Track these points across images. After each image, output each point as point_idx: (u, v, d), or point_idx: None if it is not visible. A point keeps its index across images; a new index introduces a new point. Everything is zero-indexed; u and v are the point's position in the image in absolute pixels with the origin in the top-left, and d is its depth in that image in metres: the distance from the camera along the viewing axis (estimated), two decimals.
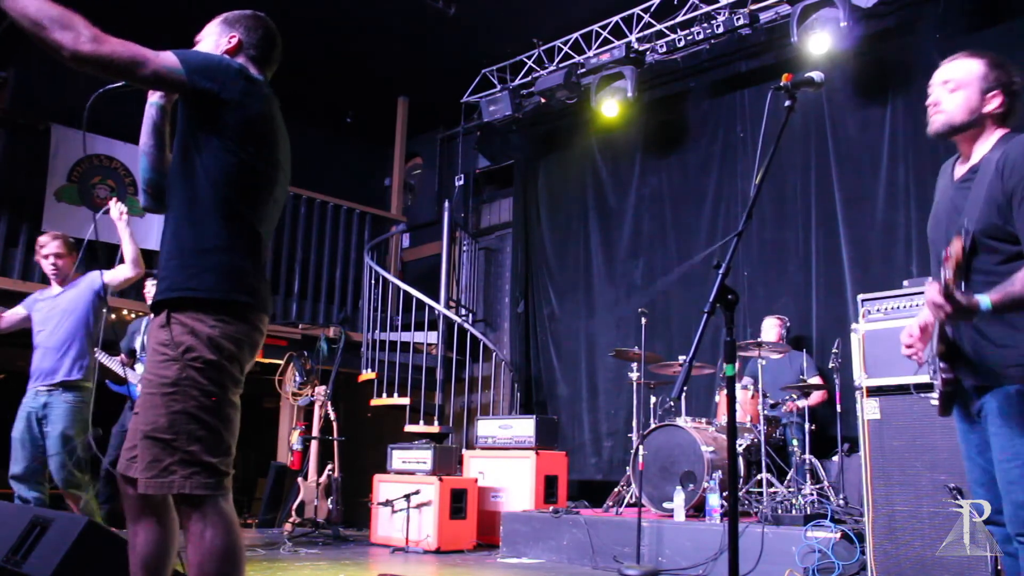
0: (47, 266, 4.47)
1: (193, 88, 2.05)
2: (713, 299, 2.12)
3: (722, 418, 5.70)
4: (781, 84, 2.42)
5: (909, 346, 2.37)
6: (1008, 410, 2.11)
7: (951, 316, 1.99)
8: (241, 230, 2.13)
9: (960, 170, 2.32)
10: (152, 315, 2.17)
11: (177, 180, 2.16)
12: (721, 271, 2.15)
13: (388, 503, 6.03)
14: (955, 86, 2.27)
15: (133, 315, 7.30)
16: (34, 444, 4.23)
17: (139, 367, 5.27)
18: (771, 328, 5.92)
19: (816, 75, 2.42)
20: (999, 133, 2.26)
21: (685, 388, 1.96)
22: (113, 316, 7.27)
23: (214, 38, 2.36)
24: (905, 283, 4.01)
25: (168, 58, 2.04)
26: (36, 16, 1.84)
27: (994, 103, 2.24)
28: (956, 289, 1.97)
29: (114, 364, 5.27)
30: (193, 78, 2.04)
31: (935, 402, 2.30)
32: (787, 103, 2.41)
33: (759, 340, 5.29)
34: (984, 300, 2.00)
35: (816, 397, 5.68)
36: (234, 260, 2.09)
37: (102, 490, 5.23)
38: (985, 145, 2.26)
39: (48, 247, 4.45)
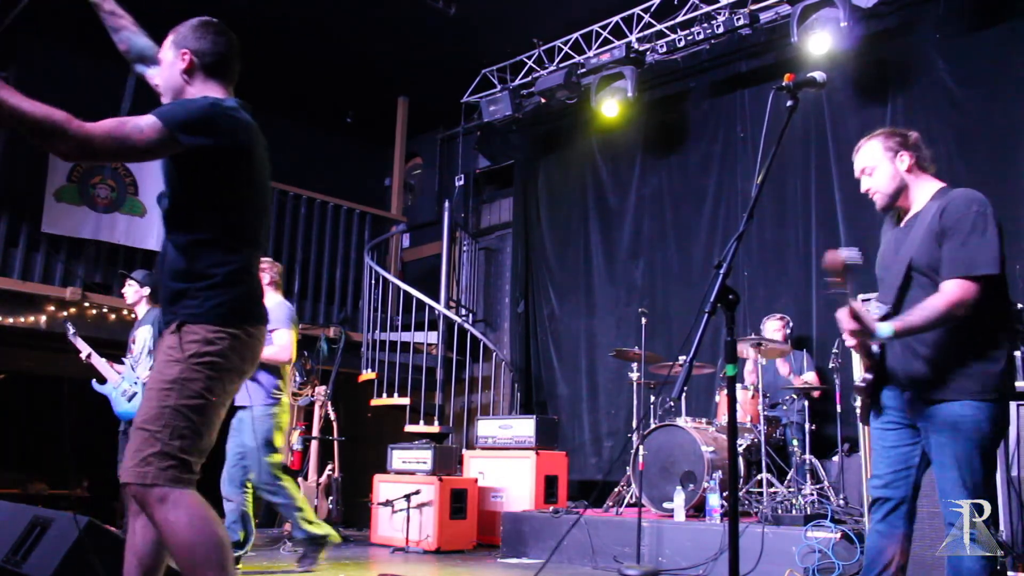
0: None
1: (187, 147, 2.10)
2: (714, 299, 2.13)
3: (722, 418, 5.70)
4: (783, 84, 2.46)
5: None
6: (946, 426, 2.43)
7: (853, 333, 2.42)
8: (241, 252, 2.25)
9: (904, 218, 2.66)
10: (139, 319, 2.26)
11: (176, 205, 2.24)
12: (722, 271, 2.15)
13: (388, 503, 6.03)
14: (871, 169, 2.67)
15: (132, 315, 7.30)
16: None
17: (120, 367, 5.26)
18: (774, 329, 5.92)
19: (818, 75, 2.46)
20: (933, 185, 2.62)
21: (685, 388, 1.97)
22: (113, 316, 7.27)
23: (169, 60, 2.38)
24: None
25: (150, 127, 2.06)
26: (29, 128, 1.93)
27: (905, 161, 2.61)
28: (861, 312, 2.39)
29: (100, 364, 5.27)
30: (181, 137, 2.08)
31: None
32: (789, 103, 2.44)
33: (760, 339, 5.28)
34: (886, 328, 2.39)
35: (812, 380, 5.72)
36: (238, 281, 2.22)
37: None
38: (923, 195, 2.62)
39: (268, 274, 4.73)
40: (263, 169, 2.31)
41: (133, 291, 5.36)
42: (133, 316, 7.29)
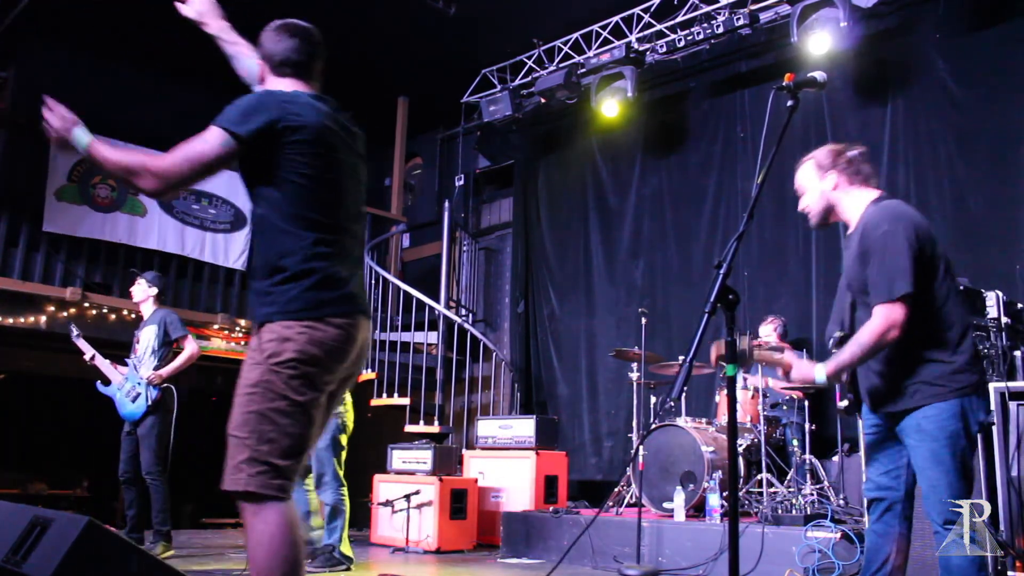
0: None
1: (251, 140, 2.14)
2: (714, 299, 2.14)
3: (722, 418, 5.70)
4: (783, 84, 2.47)
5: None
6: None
7: (797, 388, 2.57)
8: (310, 239, 2.17)
9: (850, 232, 2.79)
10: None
11: (253, 203, 2.27)
12: (722, 271, 2.16)
13: (388, 503, 6.03)
14: (803, 189, 2.82)
15: (133, 315, 7.31)
16: None
17: (124, 368, 5.26)
18: (766, 334, 5.92)
19: (819, 75, 2.48)
20: (866, 198, 2.70)
21: (685, 388, 1.98)
22: (113, 316, 7.28)
23: (257, 67, 2.49)
24: None
25: (212, 135, 2.13)
26: (116, 172, 2.10)
27: (831, 181, 2.73)
28: (795, 371, 2.58)
29: (104, 366, 5.27)
30: (239, 131, 2.12)
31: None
32: (789, 103, 2.45)
33: (758, 341, 5.29)
34: (820, 375, 2.53)
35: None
36: (310, 271, 2.15)
37: (125, 496, 5.26)
38: (856, 209, 2.73)
39: None
40: (332, 151, 2.26)
41: (142, 289, 5.38)
42: (133, 316, 7.31)
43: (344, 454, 4.84)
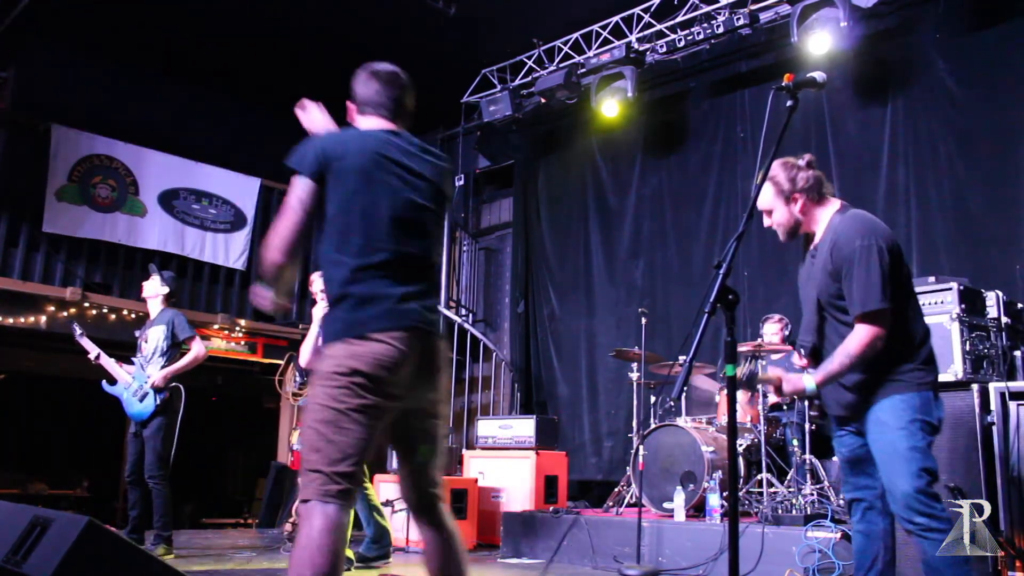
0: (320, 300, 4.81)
1: (316, 175, 2.33)
2: (714, 299, 2.14)
3: (722, 418, 5.70)
4: (783, 84, 2.47)
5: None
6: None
7: (788, 396, 2.62)
8: (357, 267, 2.31)
9: (810, 245, 2.84)
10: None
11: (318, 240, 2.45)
12: (722, 271, 2.16)
13: (388, 503, 6.02)
14: (769, 212, 2.84)
15: (133, 315, 7.31)
16: None
17: (130, 368, 5.26)
18: (772, 332, 5.92)
19: (818, 75, 2.49)
20: (830, 209, 2.77)
21: (685, 388, 1.99)
22: (113, 316, 7.28)
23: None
24: None
25: (293, 182, 2.34)
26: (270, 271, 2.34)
27: (798, 203, 2.78)
28: (786, 379, 2.60)
29: (110, 365, 5.27)
30: (308, 171, 2.33)
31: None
32: (789, 103, 2.46)
33: (759, 342, 5.29)
34: (809, 384, 2.56)
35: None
36: (347, 294, 2.29)
37: (129, 495, 5.26)
38: (822, 221, 2.78)
39: (318, 283, 4.75)
40: (376, 177, 2.39)
41: (154, 286, 5.37)
42: (134, 316, 7.31)
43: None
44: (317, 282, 4.87)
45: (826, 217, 2.77)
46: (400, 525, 5.90)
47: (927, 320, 2.77)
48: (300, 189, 2.32)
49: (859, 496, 2.70)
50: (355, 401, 2.20)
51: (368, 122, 2.57)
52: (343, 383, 2.20)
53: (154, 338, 5.21)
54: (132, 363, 5.25)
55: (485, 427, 6.59)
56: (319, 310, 4.74)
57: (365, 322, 2.25)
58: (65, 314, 7.02)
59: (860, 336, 2.53)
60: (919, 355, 2.60)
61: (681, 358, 5.57)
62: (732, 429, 2.21)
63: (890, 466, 2.52)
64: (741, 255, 7.08)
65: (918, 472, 2.46)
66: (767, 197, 2.82)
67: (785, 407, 5.67)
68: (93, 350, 5.27)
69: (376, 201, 2.36)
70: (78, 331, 5.33)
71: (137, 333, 5.42)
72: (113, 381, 5.23)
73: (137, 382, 5.14)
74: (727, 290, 2.16)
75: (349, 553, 4.77)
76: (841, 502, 4.92)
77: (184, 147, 7.95)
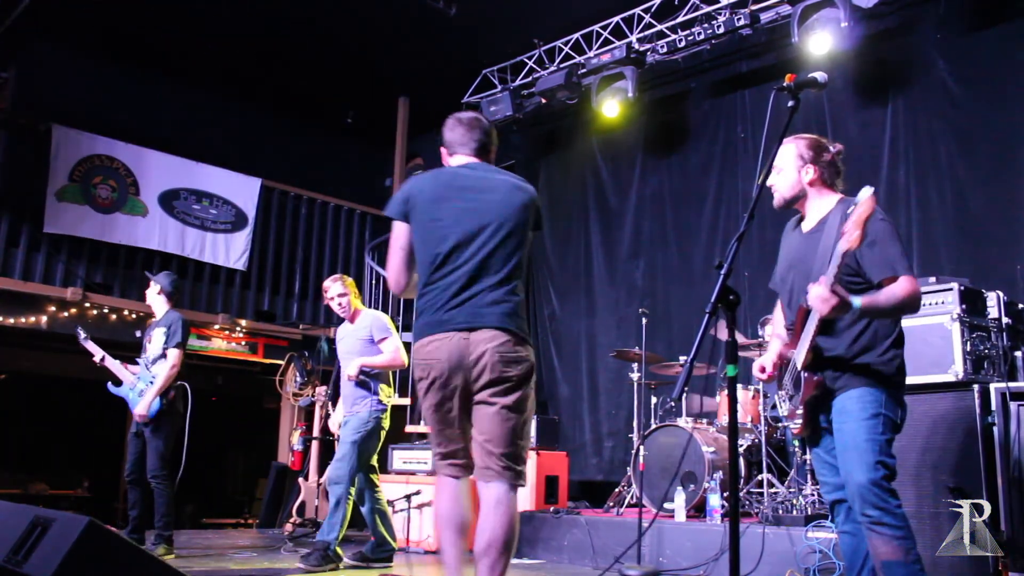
0: (335, 307, 4.99)
1: (401, 216, 2.85)
2: (715, 299, 2.14)
3: (722, 419, 5.71)
4: (784, 84, 2.47)
5: (763, 371, 2.82)
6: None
7: (834, 308, 2.42)
8: (422, 292, 2.85)
9: (807, 225, 2.82)
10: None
11: None
12: (723, 271, 2.16)
13: (389, 503, 6.03)
14: (779, 169, 2.81)
15: (134, 315, 7.32)
16: None
17: (135, 368, 5.26)
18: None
19: (820, 75, 2.50)
20: (832, 199, 2.79)
21: (686, 389, 1.99)
22: (114, 316, 7.28)
23: None
24: None
25: (394, 230, 2.87)
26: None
27: (809, 174, 2.76)
28: (838, 285, 2.43)
29: (115, 366, 5.27)
30: (399, 215, 2.85)
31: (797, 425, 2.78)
32: (790, 103, 2.46)
33: (760, 341, 5.29)
34: (856, 300, 2.45)
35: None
36: (417, 315, 2.87)
37: (129, 495, 5.26)
38: (823, 206, 2.78)
39: (332, 290, 4.95)
40: (429, 215, 2.80)
41: (151, 292, 5.40)
42: (134, 316, 7.32)
43: (368, 456, 4.82)
44: (332, 288, 4.96)
45: (827, 205, 2.78)
46: (401, 525, 5.90)
47: (928, 320, 2.78)
48: (395, 232, 2.85)
49: (840, 497, 2.70)
50: (423, 399, 2.75)
51: (455, 160, 3.00)
52: (418, 386, 2.82)
53: (157, 339, 5.22)
54: (136, 363, 5.26)
55: None
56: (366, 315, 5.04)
57: (416, 335, 2.83)
58: (66, 314, 7.02)
59: (905, 285, 2.52)
60: (896, 354, 2.63)
61: (682, 358, 5.58)
62: (733, 429, 2.20)
63: (848, 456, 2.54)
64: (742, 256, 7.06)
65: (874, 464, 2.47)
66: (787, 156, 2.81)
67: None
68: (98, 352, 5.27)
69: (435, 229, 2.76)
70: (82, 335, 5.33)
71: (138, 334, 5.43)
72: (119, 382, 5.24)
73: (143, 382, 5.15)
74: (728, 290, 2.16)
75: (340, 551, 4.74)
76: None
77: (185, 147, 7.96)
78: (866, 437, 2.50)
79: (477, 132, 3.00)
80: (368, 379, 4.82)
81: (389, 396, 4.91)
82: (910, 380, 2.78)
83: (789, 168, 2.80)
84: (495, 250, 2.73)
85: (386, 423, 4.90)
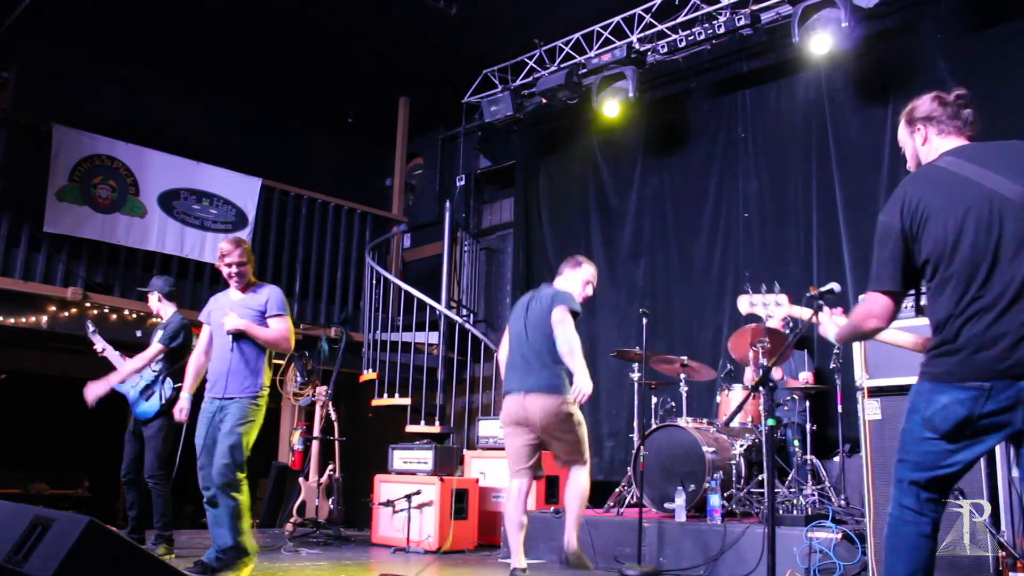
0: (230, 273, 4.34)
1: None
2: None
3: (723, 419, 5.70)
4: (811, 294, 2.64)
5: None
6: None
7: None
8: None
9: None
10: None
11: None
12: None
13: (389, 503, 6.03)
14: (902, 148, 2.86)
15: (134, 315, 7.31)
16: None
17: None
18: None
19: (835, 286, 2.68)
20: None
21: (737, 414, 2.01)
22: (114, 316, 7.28)
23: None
24: None
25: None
26: None
27: (918, 137, 2.71)
28: None
29: (114, 357, 5.28)
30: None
31: None
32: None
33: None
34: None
35: (808, 381, 5.69)
36: None
37: (127, 496, 5.26)
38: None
39: (233, 255, 4.31)
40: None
41: (151, 301, 5.43)
42: (135, 316, 7.32)
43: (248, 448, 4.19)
44: (232, 252, 4.31)
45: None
46: (401, 525, 5.91)
47: (927, 320, 2.75)
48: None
49: None
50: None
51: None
52: None
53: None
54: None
55: (486, 427, 6.59)
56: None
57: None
58: (66, 314, 7.02)
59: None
60: None
61: (684, 358, 5.57)
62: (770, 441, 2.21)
63: None
64: (742, 255, 7.07)
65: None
66: (900, 135, 2.91)
67: (786, 407, 5.66)
68: (100, 343, 5.33)
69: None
70: (91, 328, 5.38)
71: (139, 333, 5.45)
72: (121, 380, 5.25)
73: (144, 380, 5.17)
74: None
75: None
76: (843, 503, 4.92)
77: (185, 147, 7.95)
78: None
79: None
80: (254, 352, 4.22)
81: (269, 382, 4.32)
82: (911, 380, 2.77)
83: (906, 144, 2.87)
84: (540, 344, 4.51)
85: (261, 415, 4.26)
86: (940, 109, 2.57)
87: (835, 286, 2.64)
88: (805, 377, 5.73)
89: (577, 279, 4.71)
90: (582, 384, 4.23)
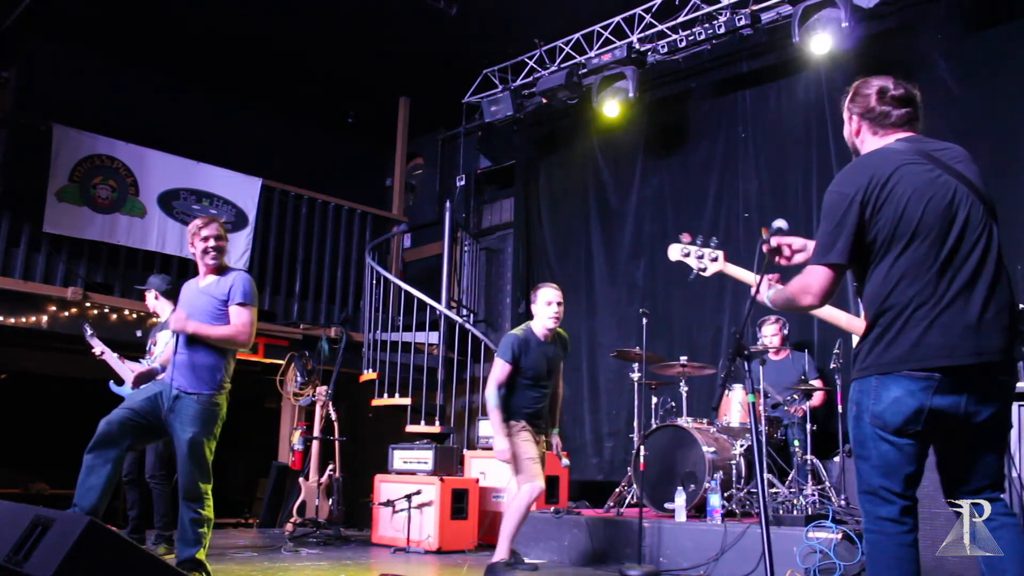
0: (206, 251, 4.06)
1: None
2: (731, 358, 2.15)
3: (723, 419, 5.71)
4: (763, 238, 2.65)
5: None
6: None
7: None
8: None
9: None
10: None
11: None
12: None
13: (389, 503, 6.03)
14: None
15: (134, 315, 7.31)
16: None
17: (135, 366, 5.26)
18: (771, 333, 5.92)
19: (782, 224, 2.71)
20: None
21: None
22: (114, 316, 7.28)
23: None
24: None
25: None
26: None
27: (853, 125, 2.70)
28: None
29: (113, 360, 5.28)
30: None
31: None
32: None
33: (761, 345, 5.29)
34: None
35: (818, 398, 5.68)
36: None
37: (128, 496, 5.25)
38: None
39: (209, 230, 4.05)
40: None
41: (152, 298, 5.41)
42: (135, 316, 7.31)
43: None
44: (208, 228, 4.10)
45: None
46: (401, 525, 5.91)
47: None
48: None
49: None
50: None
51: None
52: None
53: (163, 341, 5.22)
54: (139, 363, 5.26)
55: (486, 427, 6.59)
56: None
57: None
58: (66, 314, 7.02)
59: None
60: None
61: (683, 359, 5.57)
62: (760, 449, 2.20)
63: None
64: (743, 257, 7.08)
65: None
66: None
67: (786, 407, 5.66)
68: (98, 347, 5.31)
69: None
70: (88, 331, 5.36)
71: (139, 333, 5.44)
72: (120, 381, 5.25)
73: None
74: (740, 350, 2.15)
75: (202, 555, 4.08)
76: (843, 503, 4.92)
77: (185, 147, 7.95)
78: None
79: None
80: (207, 349, 3.94)
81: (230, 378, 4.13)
82: None
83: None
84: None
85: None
86: (877, 108, 2.65)
87: (782, 223, 2.58)
88: (814, 383, 5.66)
89: (539, 308, 4.83)
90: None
